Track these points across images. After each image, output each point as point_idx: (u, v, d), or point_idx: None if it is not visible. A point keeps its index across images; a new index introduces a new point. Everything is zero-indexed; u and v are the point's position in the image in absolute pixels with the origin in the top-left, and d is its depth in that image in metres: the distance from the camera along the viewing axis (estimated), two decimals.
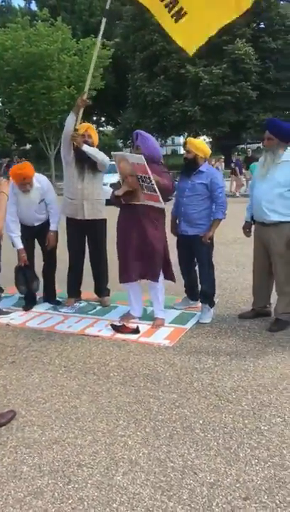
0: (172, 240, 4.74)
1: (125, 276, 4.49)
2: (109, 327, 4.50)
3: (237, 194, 18.14)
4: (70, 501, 2.28)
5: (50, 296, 5.28)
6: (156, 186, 4.08)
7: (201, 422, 2.92)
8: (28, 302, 5.16)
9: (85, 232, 5.01)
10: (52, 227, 4.99)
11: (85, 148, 4.66)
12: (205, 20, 4.39)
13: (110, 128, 48.57)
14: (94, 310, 5.05)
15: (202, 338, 4.25)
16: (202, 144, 4.70)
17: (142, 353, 3.96)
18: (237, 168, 18.48)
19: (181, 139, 46.22)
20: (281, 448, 2.64)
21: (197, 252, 4.59)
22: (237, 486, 2.35)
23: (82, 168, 4.80)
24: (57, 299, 5.28)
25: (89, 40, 25.96)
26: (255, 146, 35.90)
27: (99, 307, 5.12)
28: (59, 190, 5.18)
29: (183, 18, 4.42)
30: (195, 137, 30.04)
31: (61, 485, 2.40)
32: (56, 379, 3.55)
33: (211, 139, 38.19)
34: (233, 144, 32.81)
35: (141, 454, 2.62)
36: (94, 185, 4.86)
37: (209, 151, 4.65)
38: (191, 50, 4.61)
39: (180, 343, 4.15)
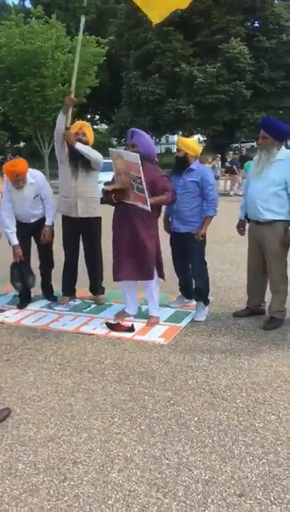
0: (165, 238, 4.75)
1: (118, 275, 4.50)
2: (104, 325, 4.51)
3: (231, 193, 18.18)
4: (65, 498, 2.29)
5: (47, 293, 5.30)
6: (145, 187, 4.04)
7: (196, 419, 2.94)
8: (23, 300, 5.16)
9: (80, 231, 5.01)
10: (48, 221, 4.98)
11: (78, 146, 4.66)
12: None
13: (104, 126, 48.46)
14: (89, 308, 5.05)
15: (196, 336, 4.26)
16: (192, 142, 4.74)
17: (137, 351, 3.97)
18: (234, 167, 18.51)
19: (175, 138, 46.22)
20: (276, 445, 2.66)
21: (189, 250, 4.61)
22: (232, 482, 2.37)
23: (75, 167, 4.80)
24: (55, 295, 5.31)
25: (84, 38, 25.85)
26: (249, 145, 35.95)
27: (93, 305, 5.13)
28: (53, 188, 5.16)
29: None
30: (189, 136, 30.12)
31: (56, 482, 2.41)
32: (51, 377, 3.55)
33: (205, 138, 38.24)
34: (227, 142, 32.81)
35: (136, 451, 2.63)
36: (88, 183, 4.85)
37: (199, 150, 4.70)
38: (156, 19, 4.74)
39: (175, 341, 4.17)
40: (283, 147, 4.33)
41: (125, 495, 2.30)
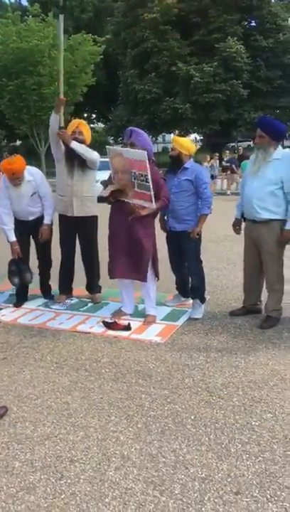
0: (161, 237, 4.76)
1: (114, 273, 4.50)
2: (101, 324, 4.51)
3: (228, 192, 18.19)
4: (62, 496, 2.29)
5: (45, 292, 5.31)
6: (151, 185, 4.07)
7: (193, 417, 2.94)
8: (19, 299, 5.15)
9: (76, 229, 5.00)
10: (46, 220, 4.97)
11: (73, 145, 4.65)
12: None
13: (101, 125, 48.39)
14: (86, 307, 5.05)
15: (193, 334, 4.27)
16: (186, 141, 4.76)
17: (134, 350, 3.97)
18: (233, 166, 18.53)
19: (172, 137, 46.13)
20: (272, 443, 2.67)
21: (185, 248, 4.62)
22: (229, 480, 2.38)
23: (71, 166, 4.79)
24: (52, 293, 5.32)
25: (80, 37, 25.84)
26: (246, 144, 35.97)
27: (90, 304, 5.13)
28: (50, 186, 5.15)
29: None
30: (185, 135, 30.15)
31: (53, 480, 2.41)
32: (48, 375, 3.55)
33: (202, 137, 38.25)
34: (224, 141, 32.82)
35: (133, 450, 2.64)
36: (84, 182, 4.84)
37: (193, 149, 4.74)
38: None
39: (172, 339, 4.17)
40: (279, 147, 4.34)
41: (122, 493, 2.31)
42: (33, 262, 5.17)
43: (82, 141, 4.75)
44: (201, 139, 39.96)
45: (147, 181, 4.06)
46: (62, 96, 4.69)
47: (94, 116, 48.39)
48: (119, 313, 4.72)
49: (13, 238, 4.86)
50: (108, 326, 4.45)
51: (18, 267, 4.91)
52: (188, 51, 29.96)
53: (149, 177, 4.04)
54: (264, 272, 4.49)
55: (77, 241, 5.11)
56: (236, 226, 4.72)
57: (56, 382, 3.43)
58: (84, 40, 25.70)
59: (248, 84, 29.10)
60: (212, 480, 2.38)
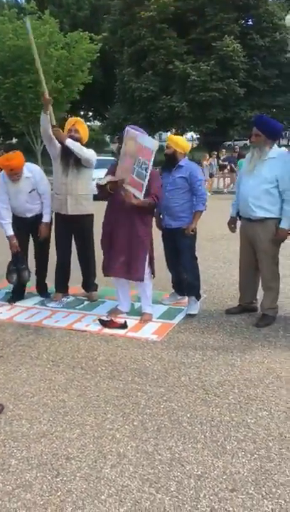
0: (157, 236, 4.76)
1: (110, 271, 4.50)
2: (97, 322, 4.51)
3: (225, 191, 18.22)
4: (58, 494, 2.30)
5: (42, 291, 5.31)
6: (148, 176, 4.06)
7: (188, 415, 2.95)
8: (15, 297, 5.15)
9: (71, 228, 4.98)
10: (45, 218, 4.97)
11: (69, 143, 4.64)
12: None
13: (97, 123, 48.32)
14: (82, 305, 5.05)
15: (189, 333, 4.28)
16: (181, 140, 4.79)
17: (130, 348, 3.98)
18: (232, 165, 18.57)
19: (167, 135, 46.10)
20: (267, 441, 2.68)
21: (179, 244, 4.65)
22: (224, 477, 2.39)
23: (66, 164, 4.77)
24: (48, 291, 5.32)
25: (77, 35, 25.75)
26: (242, 143, 36.02)
27: (86, 302, 5.13)
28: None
29: None
30: (182, 134, 30.13)
31: (49, 478, 2.42)
32: (44, 373, 3.55)
33: (198, 136, 38.25)
34: (220, 140, 32.84)
35: (129, 447, 2.65)
36: (79, 180, 4.81)
37: (188, 147, 4.78)
38: None
39: (168, 337, 4.18)
40: (275, 145, 4.35)
41: (118, 490, 2.31)
42: (31, 260, 5.17)
43: (77, 140, 4.74)
44: (198, 138, 39.97)
45: (146, 170, 4.05)
46: (46, 95, 4.68)
47: (90, 114, 48.30)
48: (115, 311, 4.73)
49: (10, 232, 4.86)
50: (104, 324, 4.45)
51: (16, 267, 4.92)
52: (184, 49, 29.93)
53: (149, 167, 4.04)
54: (259, 271, 4.51)
55: (73, 239, 5.10)
56: (231, 224, 4.74)
57: (52, 380, 3.44)
58: (80, 38, 25.58)
59: (244, 83, 29.12)
60: (208, 477, 2.39)
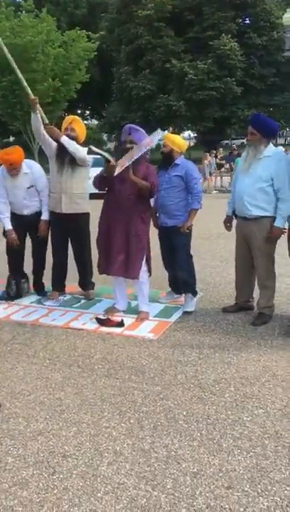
0: (154, 234, 4.77)
1: (108, 270, 4.50)
2: (94, 320, 4.52)
3: (229, 188, 18.23)
4: (54, 491, 2.31)
5: (38, 288, 5.32)
6: (133, 158, 4.19)
7: (185, 413, 2.96)
8: (13, 296, 5.15)
9: (67, 226, 4.96)
10: (44, 216, 4.97)
11: (64, 141, 4.63)
12: None
13: (95, 122, 48.28)
14: (79, 303, 5.05)
15: (186, 331, 4.29)
16: (177, 138, 4.80)
17: (126, 346, 3.99)
18: (231, 164, 18.57)
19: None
20: (263, 438, 2.69)
21: (175, 242, 4.66)
22: (220, 475, 2.40)
23: (61, 163, 4.76)
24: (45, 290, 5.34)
25: (74, 33, 25.72)
26: (239, 141, 36.07)
27: (83, 300, 5.13)
28: None
29: None
30: (179, 132, 30.09)
31: (46, 475, 2.42)
32: (41, 371, 3.56)
33: (196, 134, 38.27)
34: (218, 139, 32.88)
35: (125, 445, 2.65)
36: (74, 179, 4.80)
37: (185, 146, 4.79)
38: None
39: (165, 336, 4.19)
40: (270, 144, 4.36)
41: (114, 487, 2.32)
42: (28, 259, 5.17)
43: (73, 138, 4.73)
44: (195, 136, 39.97)
45: (134, 155, 4.20)
46: (31, 96, 4.72)
47: (88, 112, 48.29)
48: (112, 309, 4.73)
49: (9, 226, 4.88)
50: (101, 322, 4.46)
51: (16, 281, 5.06)
52: (182, 48, 29.96)
53: (142, 147, 4.22)
54: (255, 269, 4.52)
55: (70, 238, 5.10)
56: (227, 223, 4.76)
57: (49, 379, 3.44)
58: (78, 37, 25.57)
59: (242, 82, 29.18)
60: (204, 475, 2.40)
